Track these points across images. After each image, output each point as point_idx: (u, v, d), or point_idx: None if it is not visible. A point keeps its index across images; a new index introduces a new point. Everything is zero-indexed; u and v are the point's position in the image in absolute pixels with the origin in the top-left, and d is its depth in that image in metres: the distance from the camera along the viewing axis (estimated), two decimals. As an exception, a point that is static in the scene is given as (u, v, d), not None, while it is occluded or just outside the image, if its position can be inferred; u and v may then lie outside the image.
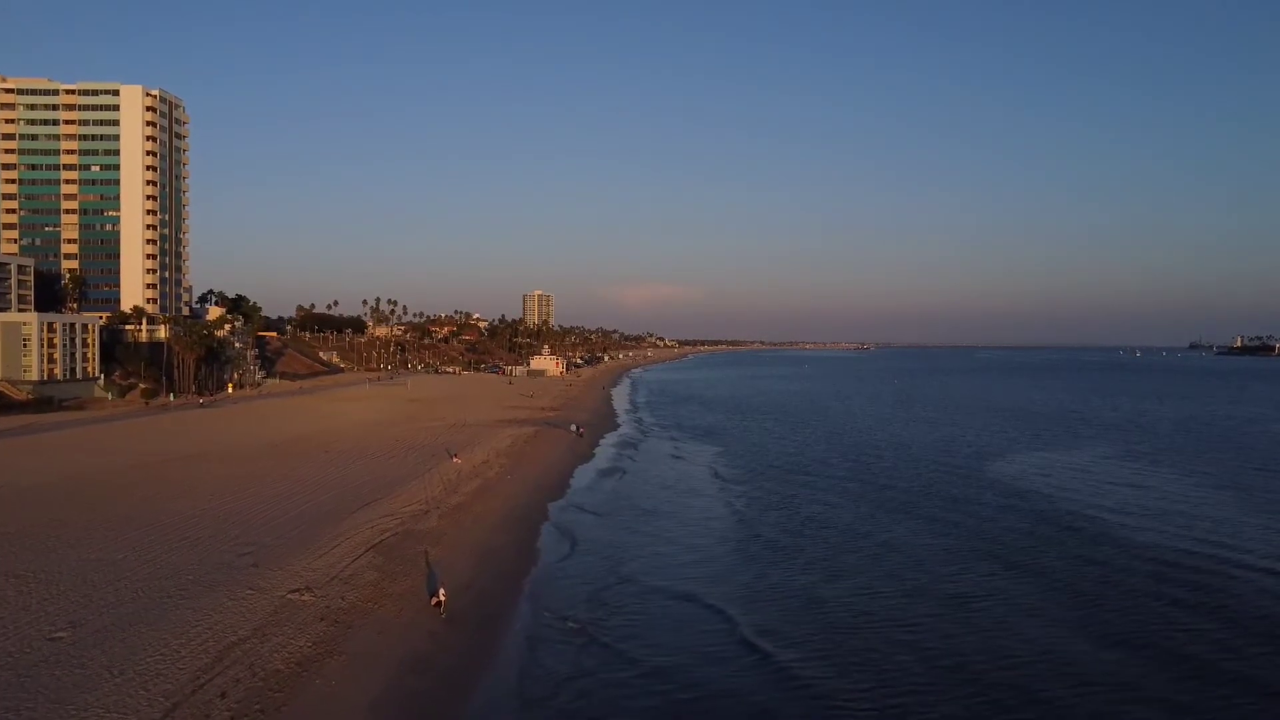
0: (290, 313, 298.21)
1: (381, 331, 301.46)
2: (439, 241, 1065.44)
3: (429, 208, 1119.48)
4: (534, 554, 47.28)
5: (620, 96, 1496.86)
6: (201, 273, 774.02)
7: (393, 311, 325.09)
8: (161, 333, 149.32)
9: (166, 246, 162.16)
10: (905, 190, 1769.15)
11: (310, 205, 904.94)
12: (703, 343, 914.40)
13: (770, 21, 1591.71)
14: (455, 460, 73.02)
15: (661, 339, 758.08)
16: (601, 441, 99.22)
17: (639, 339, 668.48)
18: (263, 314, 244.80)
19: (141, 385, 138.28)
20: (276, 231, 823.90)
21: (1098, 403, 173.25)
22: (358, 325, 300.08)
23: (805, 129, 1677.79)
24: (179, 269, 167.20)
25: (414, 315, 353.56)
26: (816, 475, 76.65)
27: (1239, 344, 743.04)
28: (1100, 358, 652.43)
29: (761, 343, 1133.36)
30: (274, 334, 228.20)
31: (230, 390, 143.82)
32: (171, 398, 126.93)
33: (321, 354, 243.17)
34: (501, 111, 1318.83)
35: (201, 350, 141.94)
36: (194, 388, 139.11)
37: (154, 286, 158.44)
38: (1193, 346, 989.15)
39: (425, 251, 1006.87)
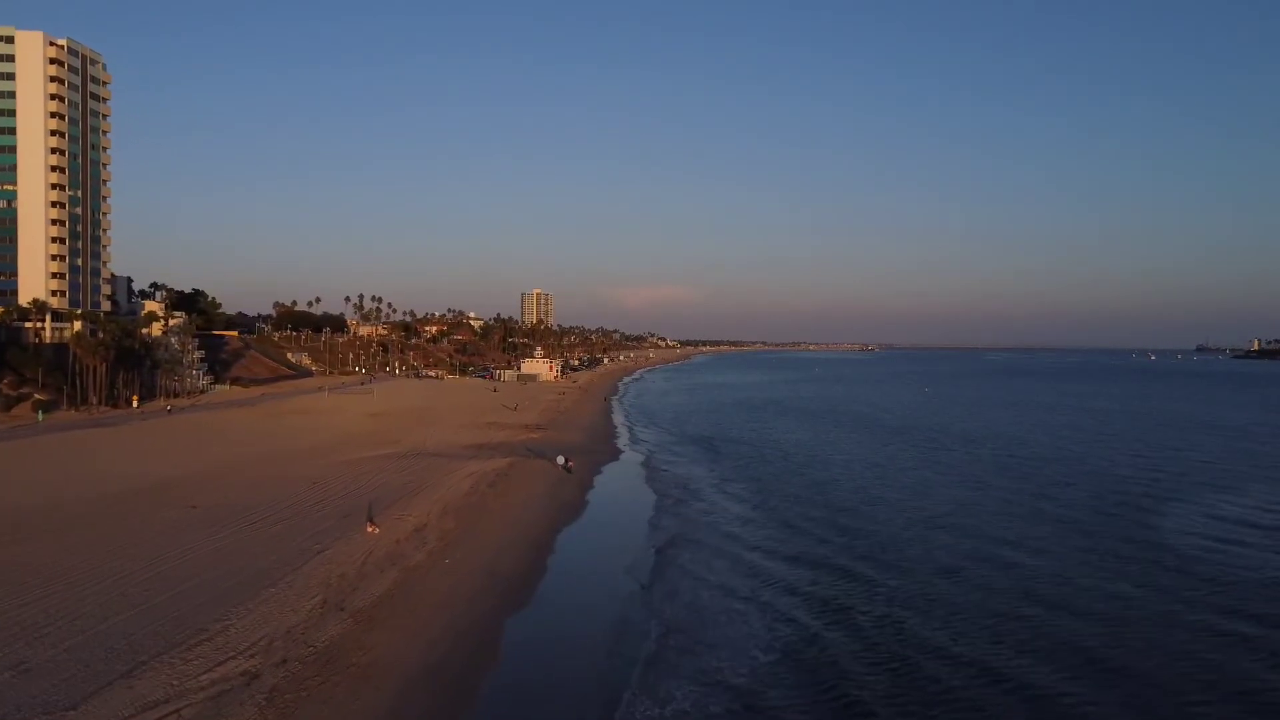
0: (270, 310, 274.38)
1: (365, 331, 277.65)
2: (435, 240, 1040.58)
3: (424, 206, 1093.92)
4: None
5: (625, 96, 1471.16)
6: (181, 267, 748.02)
7: (378, 309, 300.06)
8: (74, 330, 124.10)
9: (79, 229, 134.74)
10: (909, 191, 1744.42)
11: (303, 201, 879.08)
12: (705, 343, 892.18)
13: (772, 21, 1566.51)
14: (371, 530, 47.64)
15: (663, 339, 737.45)
16: (598, 480, 73.74)
17: (640, 339, 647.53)
18: (225, 311, 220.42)
19: (36, 395, 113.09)
20: (269, 229, 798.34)
21: (1189, 423, 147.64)
22: (339, 324, 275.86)
23: (808, 129, 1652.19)
24: (97, 255, 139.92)
25: (404, 314, 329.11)
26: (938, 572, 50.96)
27: (1256, 347, 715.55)
28: (1118, 361, 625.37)
29: (764, 343, 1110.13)
30: (235, 333, 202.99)
31: (135, 404, 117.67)
32: (40, 416, 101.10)
33: (291, 355, 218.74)
34: (503, 111, 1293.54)
35: (110, 353, 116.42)
36: (97, 399, 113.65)
37: (61, 276, 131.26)
38: (1200, 349, 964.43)
39: (420, 250, 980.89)
